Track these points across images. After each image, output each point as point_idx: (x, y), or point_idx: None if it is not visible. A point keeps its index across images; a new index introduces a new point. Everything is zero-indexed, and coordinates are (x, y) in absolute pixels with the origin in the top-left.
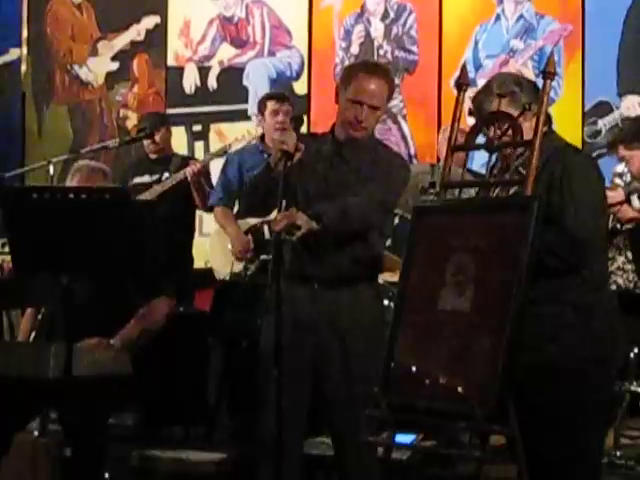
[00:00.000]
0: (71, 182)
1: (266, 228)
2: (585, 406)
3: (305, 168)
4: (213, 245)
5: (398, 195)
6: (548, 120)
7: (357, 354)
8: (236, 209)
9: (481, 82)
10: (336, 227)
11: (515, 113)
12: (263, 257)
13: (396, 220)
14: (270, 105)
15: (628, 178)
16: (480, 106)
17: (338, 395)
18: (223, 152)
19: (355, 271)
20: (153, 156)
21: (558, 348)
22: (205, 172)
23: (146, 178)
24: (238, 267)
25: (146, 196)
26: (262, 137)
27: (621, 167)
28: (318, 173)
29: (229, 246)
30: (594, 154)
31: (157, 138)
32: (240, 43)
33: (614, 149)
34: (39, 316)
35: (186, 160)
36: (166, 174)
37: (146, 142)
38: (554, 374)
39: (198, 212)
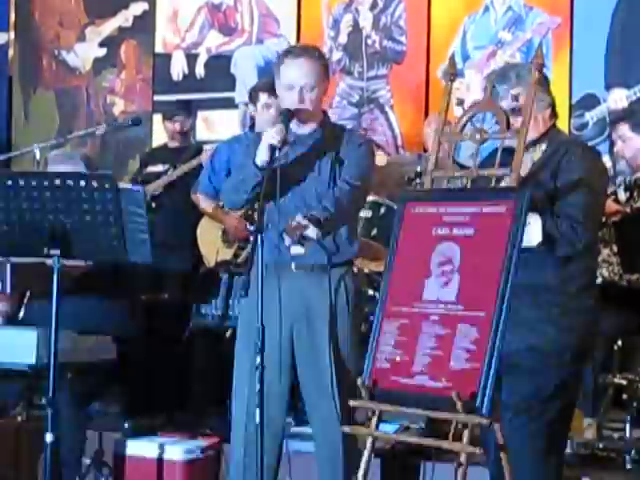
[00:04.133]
0: None
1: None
2: (564, 391)
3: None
4: (203, 232)
5: (372, 172)
6: (554, 115)
7: (337, 340)
8: None
9: (469, 73)
10: (335, 225)
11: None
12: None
13: (382, 210)
14: (263, 98)
15: (610, 172)
16: (494, 90)
17: (316, 382)
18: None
19: (329, 255)
20: (172, 144)
21: (547, 335)
22: None
23: (159, 167)
24: (227, 255)
25: (154, 185)
26: (252, 126)
27: (604, 161)
28: (290, 165)
29: (219, 233)
30: None
31: (177, 126)
32: (228, 31)
33: (617, 125)
34: (24, 300)
35: (200, 148)
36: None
37: (170, 128)
38: (537, 361)
39: None
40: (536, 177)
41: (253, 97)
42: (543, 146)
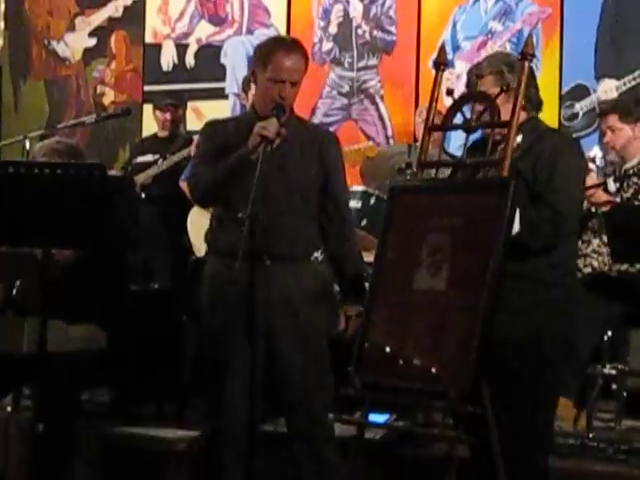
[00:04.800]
0: None
1: None
2: (540, 381)
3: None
4: (193, 221)
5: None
6: (539, 105)
7: (309, 329)
8: None
9: (459, 63)
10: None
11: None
12: None
13: (372, 200)
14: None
15: (600, 162)
16: (469, 82)
17: (290, 371)
18: None
19: (301, 246)
20: (162, 134)
21: (524, 323)
22: None
23: (148, 157)
24: None
25: (143, 175)
26: None
27: (594, 151)
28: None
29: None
30: None
31: (168, 116)
32: (218, 21)
33: (606, 116)
34: (14, 291)
35: (190, 138)
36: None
37: (161, 117)
38: (513, 349)
39: None
40: (516, 168)
41: (246, 87)
42: (519, 138)
